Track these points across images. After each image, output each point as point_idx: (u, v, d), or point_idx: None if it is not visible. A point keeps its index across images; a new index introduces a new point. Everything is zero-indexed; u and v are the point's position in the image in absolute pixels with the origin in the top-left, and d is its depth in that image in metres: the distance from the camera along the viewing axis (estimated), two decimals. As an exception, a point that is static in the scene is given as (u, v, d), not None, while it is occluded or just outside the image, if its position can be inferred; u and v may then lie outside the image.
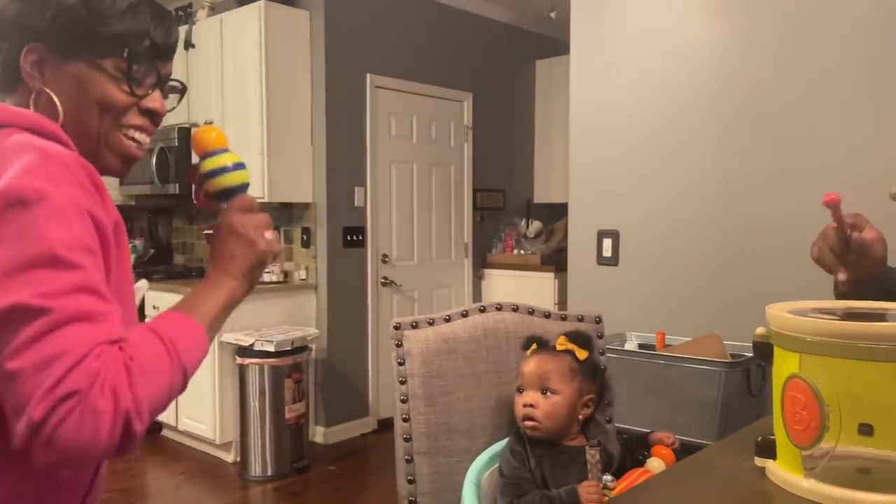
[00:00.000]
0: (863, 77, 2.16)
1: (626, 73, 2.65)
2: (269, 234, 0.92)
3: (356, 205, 4.26)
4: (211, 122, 1.05)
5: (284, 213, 4.31)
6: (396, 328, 1.39)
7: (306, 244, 4.22)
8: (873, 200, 2.14)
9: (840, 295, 1.18)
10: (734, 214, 2.42)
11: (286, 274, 4.24)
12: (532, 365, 1.32)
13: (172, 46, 0.93)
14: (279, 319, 3.99)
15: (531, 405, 1.28)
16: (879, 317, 1.02)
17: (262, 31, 3.88)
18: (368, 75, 4.27)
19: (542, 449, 1.27)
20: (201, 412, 3.86)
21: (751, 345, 1.04)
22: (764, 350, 1.01)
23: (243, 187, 0.95)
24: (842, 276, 1.13)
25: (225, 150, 0.94)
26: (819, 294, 1.15)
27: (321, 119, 4.11)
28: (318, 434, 4.15)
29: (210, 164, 0.93)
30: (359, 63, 4.23)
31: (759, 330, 1.02)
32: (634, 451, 1.35)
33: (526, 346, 1.37)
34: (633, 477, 1.23)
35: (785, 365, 0.96)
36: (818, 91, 2.24)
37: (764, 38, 2.34)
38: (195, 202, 0.98)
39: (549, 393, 1.29)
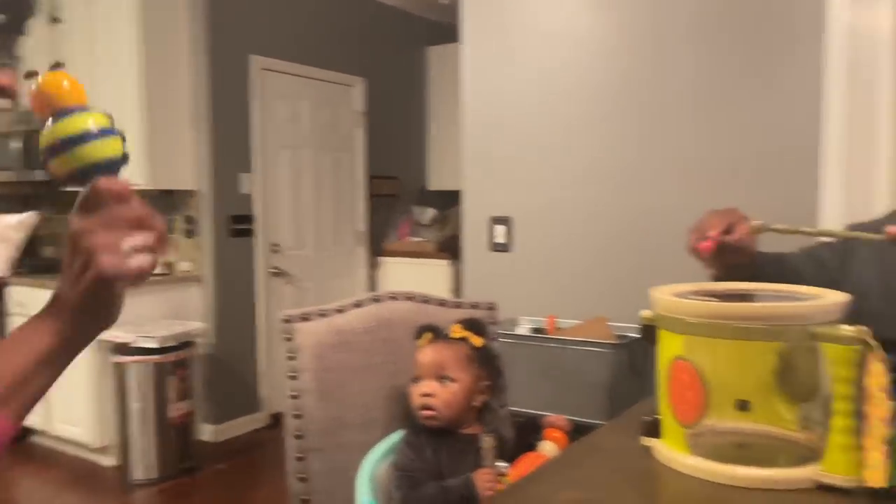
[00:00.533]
0: (747, 69, 2.28)
1: (517, 62, 2.68)
2: (129, 242, 0.60)
3: (243, 192, 4.09)
4: (60, 66, 0.73)
5: (165, 202, 4.07)
6: (286, 321, 1.34)
7: (190, 234, 4.01)
8: (752, 190, 2.28)
9: (715, 280, 1.24)
10: (621, 201, 2.51)
11: (169, 266, 4.02)
12: (428, 354, 1.31)
13: (20, 20, 0.81)
14: (161, 314, 3.77)
15: (429, 394, 1.27)
16: (756, 298, 1.07)
17: (136, 5, 3.63)
18: (254, 57, 4.10)
19: (438, 439, 1.26)
20: (76, 415, 3.61)
21: (637, 325, 1.07)
22: (649, 332, 1.04)
23: (113, 164, 0.63)
24: (713, 274, 1.19)
25: (84, 109, 0.63)
26: (700, 277, 1.20)
27: (204, 102, 3.91)
28: (207, 432, 3.98)
29: (63, 128, 0.61)
30: (243, 44, 4.05)
31: (645, 313, 1.05)
32: (528, 435, 1.37)
33: (419, 336, 1.36)
34: (527, 462, 1.24)
35: (669, 346, 0.99)
36: (701, 83, 2.35)
37: (649, 30, 2.43)
38: (52, 179, 0.67)
39: (446, 381, 1.28)
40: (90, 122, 0.62)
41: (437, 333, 1.35)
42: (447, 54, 5.17)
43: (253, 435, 4.12)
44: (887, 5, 2.11)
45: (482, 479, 1.18)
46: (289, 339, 1.32)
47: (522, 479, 1.07)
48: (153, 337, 3.35)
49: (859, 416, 0.85)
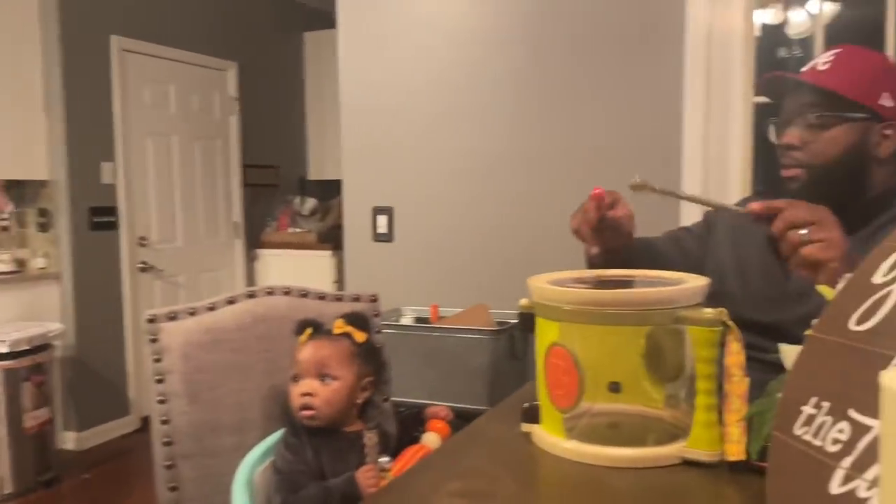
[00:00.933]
0: (616, 64, 2.37)
1: (395, 50, 2.66)
2: None
3: (105, 182, 3.81)
4: None
5: (14, 193, 3.71)
6: (151, 321, 1.25)
7: (44, 228, 3.69)
8: (622, 178, 2.38)
9: (591, 265, 1.28)
10: (501, 190, 2.55)
11: (20, 263, 3.67)
12: (308, 351, 1.26)
13: None
14: (13, 315, 3.45)
15: (309, 394, 1.22)
16: (627, 283, 1.11)
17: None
18: (114, 37, 3.81)
19: (319, 438, 1.22)
20: (-87, 431, 3.23)
21: (516, 311, 1.08)
22: (527, 320, 1.05)
23: None
24: (594, 251, 1.23)
25: None
26: (577, 264, 1.23)
27: (57, 85, 3.59)
28: (70, 440, 3.69)
29: None
30: (101, 23, 3.76)
31: (523, 301, 1.06)
32: (410, 428, 1.35)
33: (299, 332, 1.31)
34: (410, 455, 1.23)
35: (546, 333, 1.01)
36: (573, 75, 2.42)
37: (524, 22, 2.47)
38: None
39: (328, 379, 1.24)
40: None
41: (317, 329, 1.31)
42: (324, 40, 5.05)
43: (121, 441, 3.87)
44: (740, 6, 2.27)
45: (365, 477, 1.16)
46: (154, 340, 1.24)
47: (405, 473, 1.05)
48: (3, 341, 3.07)
49: (720, 393, 0.90)
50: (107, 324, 3.85)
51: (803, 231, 0.97)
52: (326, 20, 4.90)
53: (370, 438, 1.23)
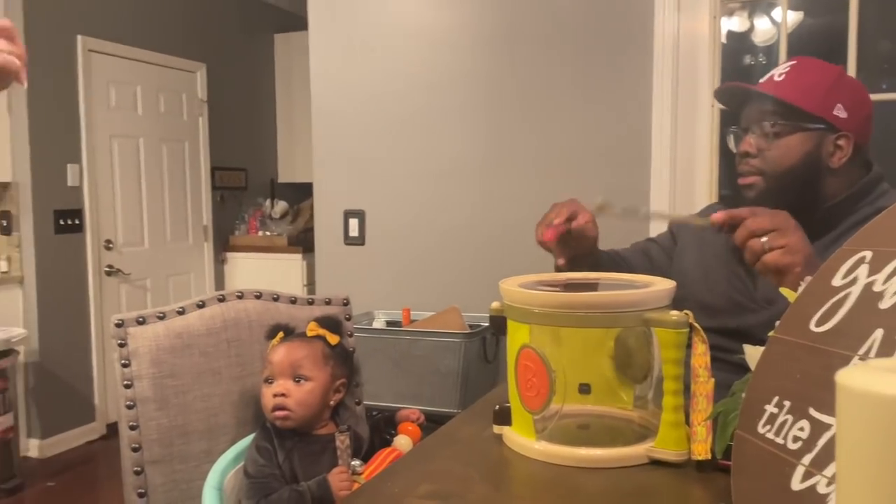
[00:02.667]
0: (585, 69, 2.40)
1: (366, 52, 2.65)
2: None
3: (70, 184, 3.74)
4: None
5: (-25, 195, 3.64)
6: (119, 325, 1.23)
7: (6, 231, 3.60)
8: (591, 183, 2.41)
9: (559, 271, 1.29)
10: (471, 194, 2.56)
11: (-19, 266, 3.59)
12: (281, 352, 1.25)
13: None
14: (-27, 320, 3.37)
15: (282, 394, 1.22)
16: (594, 287, 1.13)
17: None
18: (79, 37, 3.75)
19: (291, 441, 1.22)
20: None
21: (487, 315, 1.09)
22: (498, 323, 1.06)
23: None
24: (560, 262, 1.25)
25: None
26: (547, 268, 1.25)
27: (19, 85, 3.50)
28: (33, 448, 3.61)
29: None
30: (66, 22, 3.69)
31: (494, 304, 1.07)
32: (382, 431, 1.36)
33: (271, 336, 1.30)
34: (382, 458, 1.23)
35: (517, 336, 1.02)
36: (544, 81, 2.44)
37: (495, 28, 2.49)
38: None
39: (301, 380, 1.24)
40: None
41: (288, 332, 1.30)
42: (294, 42, 5.03)
43: (86, 448, 3.79)
44: (706, 14, 2.31)
45: (337, 480, 1.15)
46: (122, 345, 1.22)
47: (376, 476, 1.05)
48: (-37, 347, 2.99)
49: (687, 394, 0.92)
50: (71, 328, 3.78)
51: (764, 239, 1.00)
52: (297, 22, 4.88)
53: (342, 441, 1.22)
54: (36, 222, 3.59)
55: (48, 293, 3.65)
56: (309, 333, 1.30)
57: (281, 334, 1.29)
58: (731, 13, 2.54)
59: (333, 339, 1.31)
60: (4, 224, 3.61)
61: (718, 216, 1.05)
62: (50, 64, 3.62)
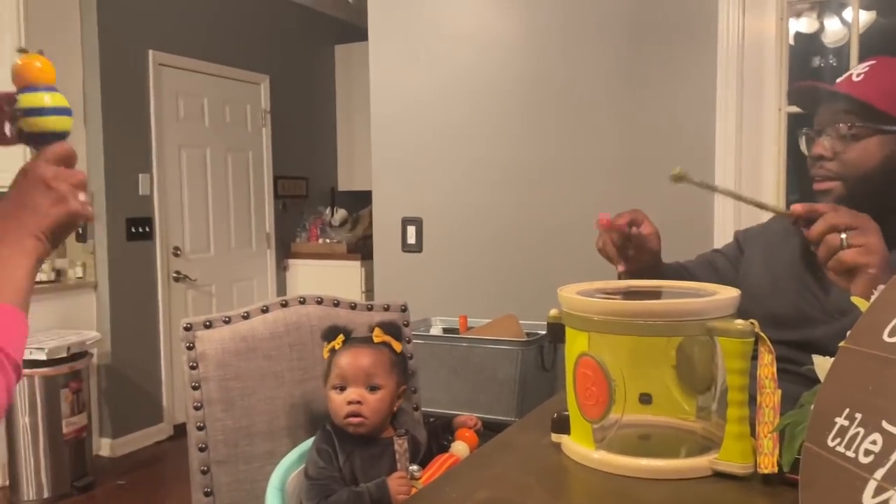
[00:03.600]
0: (647, 73, 2.37)
1: (424, 61, 2.68)
2: (82, 196, 0.81)
3: (141, 193, 3.90)
4: (39, 52, 0.86)
5: (55, 204, 3.82)
6: (187, 329, 1.28)
7: (82, 238, 3.78)
8: (652, 189, 2.37)
9: (621, 279, 1.28)
10: (530, 201, 2.55)
11: (58, 272, 3.77)
12: (355, 359, 1.26)
13: None
14: (51, 323, 3.54)
15: (358, 401, 1.23)
16: (657, 295, 1.11)
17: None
18: (151, 52, 3.91)
19: (352, 444, 1.23)
20: (-44, 435, 3.33)
21: (545, 323, 1.09)
22: (557, 330, 1.05)
23: (61, 134, 0.82)
24: (620, 269, 1.23)
25: (51, 88, 0.82)
26: (607, 275, 1.23)
27: (96, 98, 3.69)
28: (105, 447, 3.77)
29: (29, 100, 0.81)
30: (139, 38, 3.86)
31: (552, 312, 1.07)
32: (440, 436, 1.36)
33: (329, 337, 1.31)
34: (439, 464, 1.24)
35: (575, 343, 1.01)
36: (604, 85, 2.42)
37: (554, 33, 2.48)
38: None
39: (375, 389, 1.24)
40: (47, 99, 0.82)
41: (349, 335, 1.32)
42: (355, 53, 5.12)
43: (154, 448, 3.93)
44: (773, 14, 2.25)
45: (396, 483, 1.17)
46: (190, 348, 1.26)
47: (435, 480, 1.06)
48: (42, 348, 3.14)
49: (752, 405, 0.90)
50: (141, 332, 3.93)
51: (843, 235, 0.96)
52: (357, 33, 4.97)
53: (401, 445, 1.24)
54: (109, 230, 3.75)
55: (120, 298, 3.81)
56: (375, 340, 1.31)
57: (341, 337, 1.30)
58: (798, 14, 2.47)
59: (398, 345, 1.32)
60: (80, 231, 3.78)
61: (799, 207, 1.02)
62: (123, 78, 3.79)
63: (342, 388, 1.25)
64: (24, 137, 0.83)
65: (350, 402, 1.23)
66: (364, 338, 1.32)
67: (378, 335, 1.31)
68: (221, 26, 4.36)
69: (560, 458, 1.02)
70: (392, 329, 1.33)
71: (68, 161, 0.82)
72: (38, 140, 0.82)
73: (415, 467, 1.22)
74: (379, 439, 1.27)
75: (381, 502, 1.16)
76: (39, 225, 0.78)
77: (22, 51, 0.91)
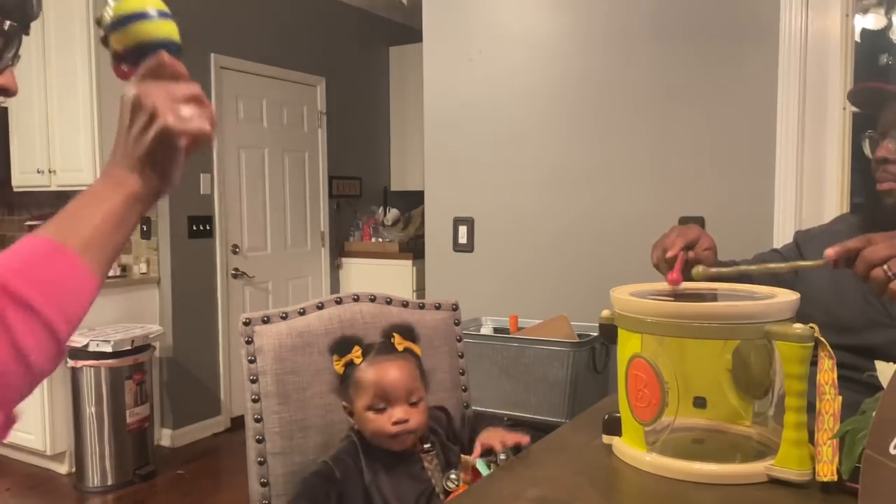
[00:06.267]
0: (704, 72, 2.33)
1: (477, 63, 2.69)
2: (186, 110, 0.67)
3: (202, 192, 4.02)
4: None
5: (121, 202, 3.98)
6: (246, 324, 1.32)
7: (146, 235, 3.93)
8: (709, 191, 2.33)
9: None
10: (582, 202, 2.53)
11: (124, 268, 3.93)
12: (389, 374, 1.19)
13: (28, 22, 0.72)
14: (117, 317, 3.69)
15: (406, 420, 1.17)
16: (712, 297, 1.09)
17: (88, 2, 3.55)
18: (213, 55, 4.03)
19: (379, 462, 1.19)
20: (29, 421, 3.50)
21: (596, 324, 1.08)
22: (609, 331, 1.05)
23: (167, 44, 0.68)
24: (671, 277, 1.21)
25: None
26: (660, 277, 1.22)
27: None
28: (165, 437, 3.90)
29: (125, 5, 0.67)
30: (202, 42, 3.99)
31: (605, 312, 1.06)
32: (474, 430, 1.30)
33: (343, 351, 1.22)
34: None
35: (628, 345, 1.00)
36: (659, 85, 2.39)
37: (608, 33, 2.46)
38: (114, 71, 0.71)
39: (415, 402, 1.20)
40: (148, 3, 0.67)
41: (365, 345, 1.24)
42: (407, 54, 5.16)
43: (212, 439, 4.05)
44: (838, 10, 2.18)
45: None
46: (249, 342, 1.30)
47: (487, 477, 1.07)
48: (108, 340, 3.27)
49: (811, 412, 0.88)
50: (201, 327, 4.06)
51: (886, 266, 0.93)
52: (411, 34, 5.01)
53: (430, 461, 1.20)
54: (172, 228, 3.88)
55: (181, 294, 3.94)
56: (399, 348, 1.25)
57: (359, 350, 1.22)
58: (865, 10, 2.38)
59: (418, 350, 1.27)
60: (145, 229, 3.93)
61: (830, 252, 0.99)
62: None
63: (383, 409, 1.18)
64: (121, 57, 0.69)
65: (397, 423, 1.17)
66: (385, 347, 1.24)
67: (399, 342, 1.25)
68: (279, 30, 4.46)
69: (611, 459, 1.02)
70: (408, 333, 1.27)
71: (167, 72, 0.68)
72: (137, 54, 0.68)
73: (453, 476, 1.20)
74: (405, 453, 1.21)
75: None
76: (130, 152, 0.66)
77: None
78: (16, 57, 0.72)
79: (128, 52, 0.68)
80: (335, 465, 1.18)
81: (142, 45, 0.67)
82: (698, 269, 1.09)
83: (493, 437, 1.23)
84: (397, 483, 1.18)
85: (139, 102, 0.66)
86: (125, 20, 0.66)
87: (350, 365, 1.22)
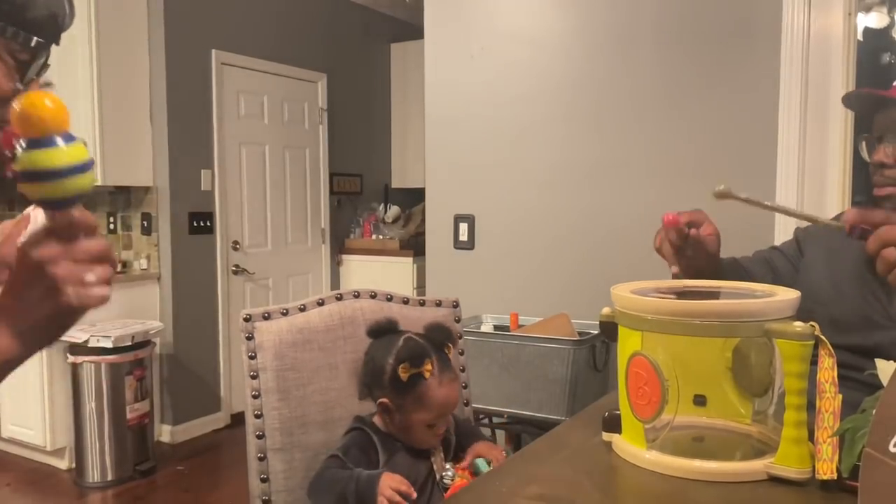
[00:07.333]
0: (706, 70, 2.32)
1: (479, 60, 2.69)
2: (90, 276, 0.62)
3: (203, 188, 4.02)
4: (49, 86, 0.69)
5: (121, 198, 3.98)
6: (247, 320, 1.32)
7: (147, 231, 3.93)
8: (710, 190, 2.32)
9: (676, 279, 1.26)
10: (583, 200, 2.53)
11: (124, 264, 3.93)
12: (456, 398, 1.27)
13: (58, 34, 0.74)
14: (117, 313, 3.69)
15: (446, 428, 1.28)
16: (713, 295, 1.09)
17: (89, 2, 3.54)
18: (214, 51, 4.03)
19: (395, 447, 1.24)
20: (29, 417, 3.50)
21: (597, 322, 1.08)
22: (609, 329, 1.05)
23: (83, 196, 0.62)
24: (673, 270, 1.22)
25: (67, 138, 0.61)
26: (661, 275, 1.22)
27: (161, 96, 3.83)
28: (165, 433, 3.91)
29: (35, 159, 0.60)
30: (203, 38, 3.98)
31: (605, 310, 1.06)
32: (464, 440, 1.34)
33: (417, 363, 1.22)
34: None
35: (628, 343, 1.00)
36: (660, 83, 2.38)
37: (610, 31, 2.46)
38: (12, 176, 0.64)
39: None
40: (66, 158, 0.60)
41: (433, 361, 1.25)
42: (410, 51, 5.16)
43: (212, 435, 4.05)
44: (840, 9, 2.17)
45: (386, 483, 1.14)
46: (249, 338, 1.30)
47: (486, 474, 1.07)
48: (108, 336, 3.28)
49: (811, 409, 0.88)
50: (201, 323, 4.06)
51: None
52: (412, 31, 5.01)
53: (436, 453, 1.25)
54: (173, 224, 3.88)
55: (182, 290, 3.94)
56: (450, 355, 1.30)
57: (430, 366, 1.22)
58: (868, 9, 2.38)
59: (451, 350, 1.31)
60: (145, 225, 3.93)
61: (851, 215, 0.99)
62: (188, 77, 3.91)
63: (433, 426, 1.24)
64: (38, 203, 0.63)
65: (439, 434, 1.26)
66: (445, 363, 1.26)
67: (450, 351, 1.30)
68: (281, 26, 4.46)
69: (611, 457, 1.02)
70: (451, 337, 1.31)
71: (81, 229, 0.62)
72: (56, 206, 0.62)
73: (449, 473, 1.23)
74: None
75: (366, 495, 1.14)
76: (18, 319, 0.61)
77: (42, 84, 0.70)
78: (44, 67, 0.71)
79: (41, 202, 0.62)
80: (346, 457, 1.21)
81: (56, 201, 0.61)
82: (719, 189, 1.09)
83: (490, 450, 1.29)
84: (411, 466, 1.23)
85: (41, 271, 0.60)
86: (42, 175, 0.59)
87: (418, 377, 1.22)
